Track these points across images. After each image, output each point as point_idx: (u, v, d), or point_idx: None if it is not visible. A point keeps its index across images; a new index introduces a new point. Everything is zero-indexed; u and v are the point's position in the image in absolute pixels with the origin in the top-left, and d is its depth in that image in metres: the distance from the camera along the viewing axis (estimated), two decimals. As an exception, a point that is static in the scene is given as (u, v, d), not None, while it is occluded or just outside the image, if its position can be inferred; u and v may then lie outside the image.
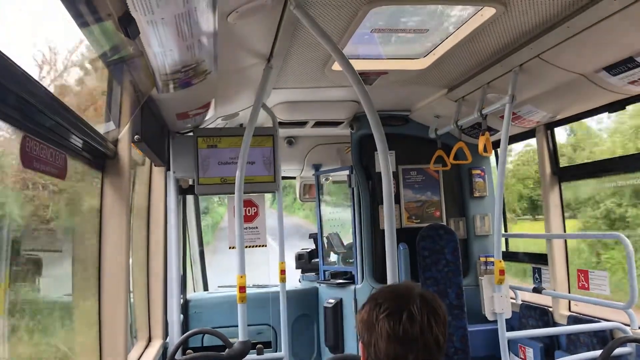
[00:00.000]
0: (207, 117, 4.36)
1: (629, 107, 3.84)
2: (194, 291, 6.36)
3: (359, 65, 3.81)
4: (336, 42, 3.04)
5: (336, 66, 3.78)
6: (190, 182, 4.87)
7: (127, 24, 1.90)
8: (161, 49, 2.40)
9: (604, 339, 3.86)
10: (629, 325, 3.75)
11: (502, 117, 3.77)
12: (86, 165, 2.51)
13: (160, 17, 2.01)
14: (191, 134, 4.54)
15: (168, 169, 4.49)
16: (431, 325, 1.53)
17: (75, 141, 2.23)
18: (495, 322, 3.75)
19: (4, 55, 1.46)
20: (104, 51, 2.32)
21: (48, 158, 1.85)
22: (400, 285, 1.68)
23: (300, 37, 3.22)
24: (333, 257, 6.33)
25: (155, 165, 4.36)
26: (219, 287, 6.63)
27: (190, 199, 6.23)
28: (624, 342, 3.50)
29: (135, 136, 3.01)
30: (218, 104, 4.14)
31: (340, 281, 5.67)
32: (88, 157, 2.45)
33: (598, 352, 3.15)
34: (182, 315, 4.81)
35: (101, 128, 2.60)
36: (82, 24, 2.06)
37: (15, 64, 1.52)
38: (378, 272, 5.24)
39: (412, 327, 1.52)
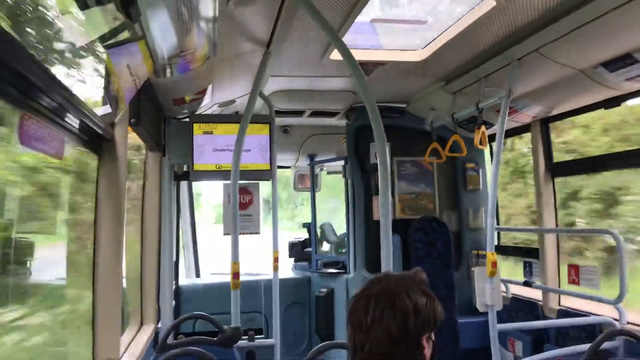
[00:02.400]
0: (203, 104, 4.34)
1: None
2: (186, 278, 6.36)
3: (357, 55, 3.80)
4: (336, 30, 3.04)
5: (335, 55, 3.77)
6: (185, 168, 4.85)
7: (129, 6, 1.89)
8: (160, 32, 2.39)
9: (593, 333, 3.89)
10: (618, 320, 3.79)
11: (498, 111, 3.78)
12: (83, 146, 2.50)
13: (161, -1, 2.00)
14: (187, 119, 4.52)
15: (163, 155, 4.47)
16: (383, 317, 1.59)
17: (73, 122, 2.22)
18: (485, 314, 3.78)
19: (6, 33, 1.45)
20: (104, 33, 2.31)
21: (45, 137, 1.85)
22: (378, 277, 1.74)
23: (299, 24, 3.22)
24: (326, 247, 6.35)
25: (150, 150, 4.34)
26: (211, 274, 6.63)
27: (183, 185, 6.21)
28: (612, 335, 3.53)
29: (132, 120, 3.00)
30: (215, 91, 4.13)
31: (333, 271, 5.69)
32: (85, 139, 2.45)
33: (587, 346, 3.18)
34: (174, 302, 4.82)
35: (98, 110, 2.59)
36: (83, 5, 2.05)
37: (17, 41, 1.52)
38: (370, 262, 5.27)
39: (365, 317, 1.60)
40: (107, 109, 2.72)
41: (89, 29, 2.31)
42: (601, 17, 2.78)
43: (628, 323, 3.78)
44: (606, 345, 3.55)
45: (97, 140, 2.62)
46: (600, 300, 3.90)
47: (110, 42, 2.36)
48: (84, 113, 2.27)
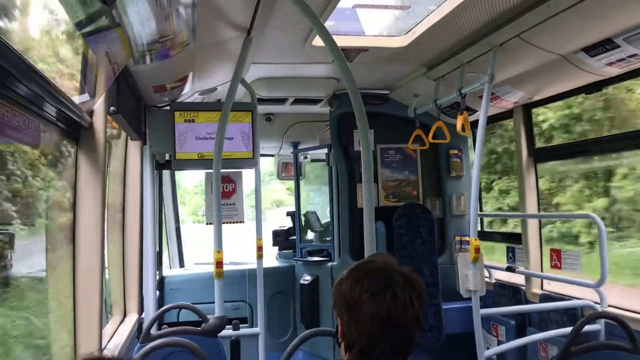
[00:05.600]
0: (184, 91, 4.29)
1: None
2: (170, 268, 6.33)
3: (339, 41, 3.77)
4: (318, 16, 3.00)
5: (317, 41, 3.74)
6: (167, 157, 4.81)
7: (104, -10, 1.84)
8: (138, 18, 2.34)
9: (575, 317, 3.94)
10: (599, 304, 3.83)
11: (481, 97, 3.79)
12: (60, 135, 2.45)
13: (138, -17, 1.96)
14: (168, 107, 4.47)
15: (144, 143, 4.42)
16: (413, 303, 1.54)
17: (50, 110, 2.18)
18: (469, 300, 3.80)
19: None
20: (80, 20, 2.26)
21: (21, 126, 1.81)
22: (379, 262, 1.64)
23: (281, 9, 3.18)
24: (310, 235, 6.34)
25: (131, 139, 4.29)
26: (195, 264, 6.61)
27: (166, 174, 6.16)
28: (594, 319, 3.58)
29: (111, 108, 2.95)
30: (196, 78, 4.08)
31: (317, 259, 5.69)
32: (62, 127, 2.40)
33: (569, 329, 3.22)
34: (157, 292, 4.79)
35: (76, 98, 2.54)
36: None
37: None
38: (355, 250, 5.27)
39: (395, 307, 1.52)
40: (86, 97, 2.67)
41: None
42: (582, 2, 2.79)
43: (609, 306, 3.83)
44: (588, 328, 3.60)
45: (75, 128, 2.58)
46: (581, 284, 3.94)
47: (87, 29, 2.31)
48: (61, 101, 2.22)
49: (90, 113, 2.67)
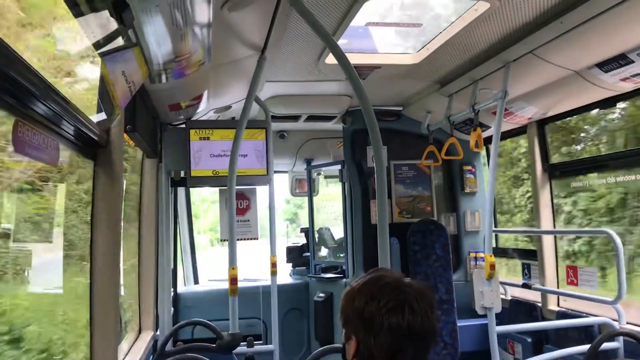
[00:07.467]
0: (199, 109, 4.34)
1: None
2: (185, 285, 6.34)
3: (352, 59, 3.79)
4: (331, 34, 3.04)
5: (330, 59, 3.78)
6: (182, 174, 4.85)
7: (122, 11, 1.89)
8: (155, 38, 2.39)
9: (592, 334, 3.88)
10: (617, 321, 3.78)
11: (494, 113, 3.79)
12: (78, 153, 2.49)
13: (155, 4, 2.00)
14: (183, 125, 4.52)
15: (160, 161, 4.47)
16: (429, 316, 1.57)
17: (67, 128, 2.21)
18: (484, 317, 3.77)
19: (0, 40, 1.45)
20: (98, 40, 2.31)
21: (40, 144, 1.84)
22: (390, 277, 1.65)
23: (294, 29, 3.22)
24: (324, 252, 6.34)
25: (147, 157, 4.33)
26: (209, 280, 6.62)
27: (181, 191, 6.21)
28: (612, 336, 3.53)
29: (128, 126, 3.00)
30: (211, 96, 4.13)
31: (331, 275, 5.68)
32: (80, 145, 2.44)
33: (586, 347, 3.18)
34: (172, 309, 4.80)
35: (94, 117, 2.58)
36: (77, 13, 2.05)
37: (9, 47, 1.51)
38: (369, 266, 5.25)
39: (414, 319, 1.55)
40: (102, 115, 2.72)
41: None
42: (595, 18, 2.79)
43: (627, 323, 3.78)
44: (606, 346, 3.55)
45: (92, 146, 2.61)
46: (599, 300, 3.89)
47: (105, 49, 2.36)
48: (79, 119, 2.26)
49: (107, 131, 2.71)
